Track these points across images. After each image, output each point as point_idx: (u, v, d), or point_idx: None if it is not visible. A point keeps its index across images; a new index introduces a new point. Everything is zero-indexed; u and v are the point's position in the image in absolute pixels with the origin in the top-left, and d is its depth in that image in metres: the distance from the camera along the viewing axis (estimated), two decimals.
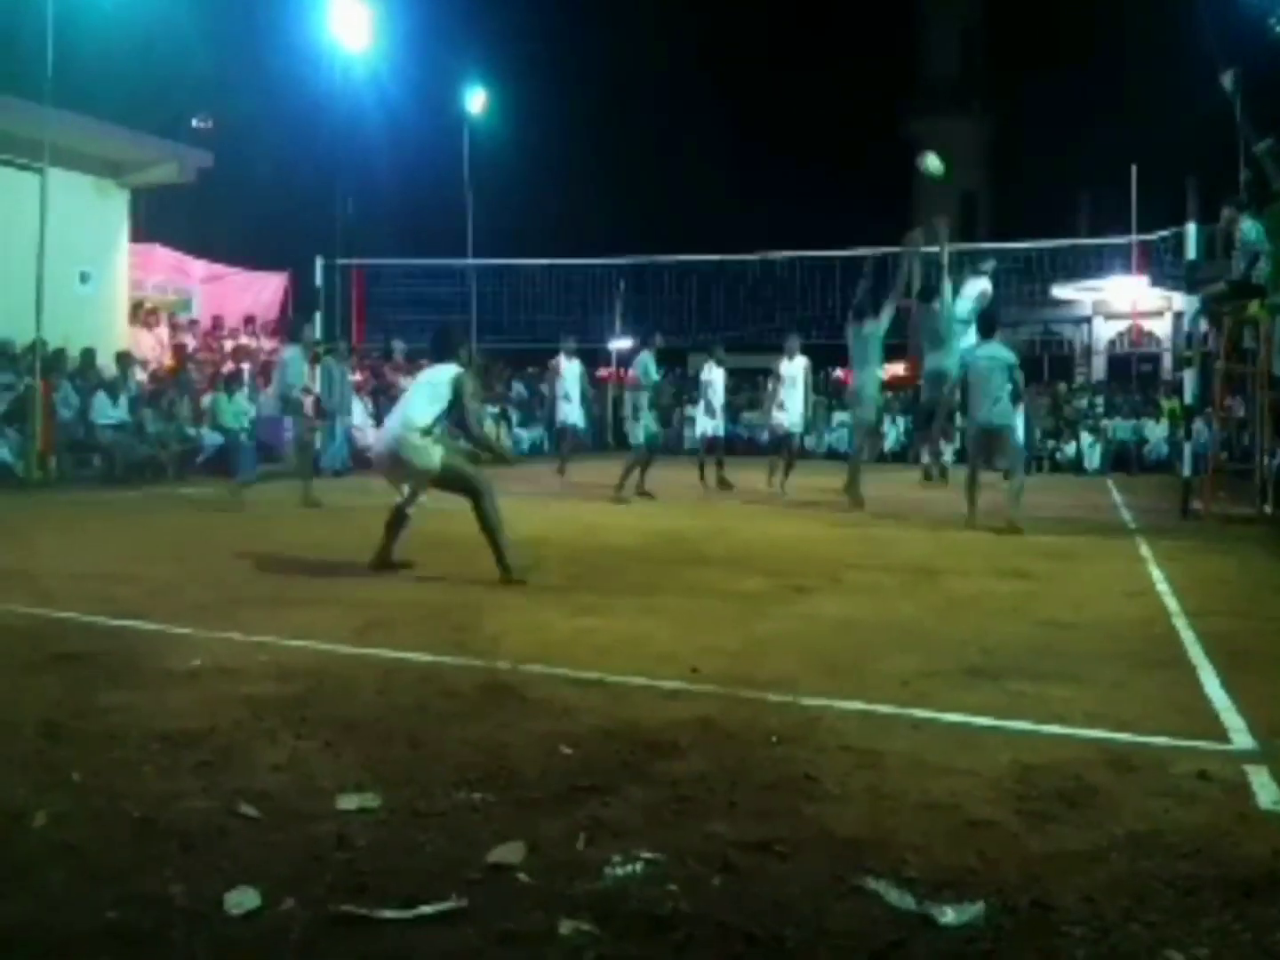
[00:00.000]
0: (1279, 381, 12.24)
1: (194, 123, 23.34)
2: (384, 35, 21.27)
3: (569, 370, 15.29)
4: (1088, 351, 27.81)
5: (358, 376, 17.36)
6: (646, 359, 12.47)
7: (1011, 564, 7.34)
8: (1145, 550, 8.19)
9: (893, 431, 21.77)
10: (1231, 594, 6.46)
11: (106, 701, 3.68)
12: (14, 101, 12.85)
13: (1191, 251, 11.46)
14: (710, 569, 7.05)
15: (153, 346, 16.89)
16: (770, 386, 14.03)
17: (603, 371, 26.12)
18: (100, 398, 13.54)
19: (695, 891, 2.36)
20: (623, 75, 34.32)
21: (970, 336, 11.07)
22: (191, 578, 6.25)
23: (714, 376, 14.79)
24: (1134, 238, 18.55)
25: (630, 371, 12.87)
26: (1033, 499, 9.92)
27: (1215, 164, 16.28)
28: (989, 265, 12.71)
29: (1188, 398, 11.44)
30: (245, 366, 16.92)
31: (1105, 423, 20.78)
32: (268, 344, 19.08)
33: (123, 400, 13.87)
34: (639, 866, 2.48)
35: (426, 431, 6.25)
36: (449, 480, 6.34)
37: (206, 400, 15.33)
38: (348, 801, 2.80)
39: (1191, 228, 11.52)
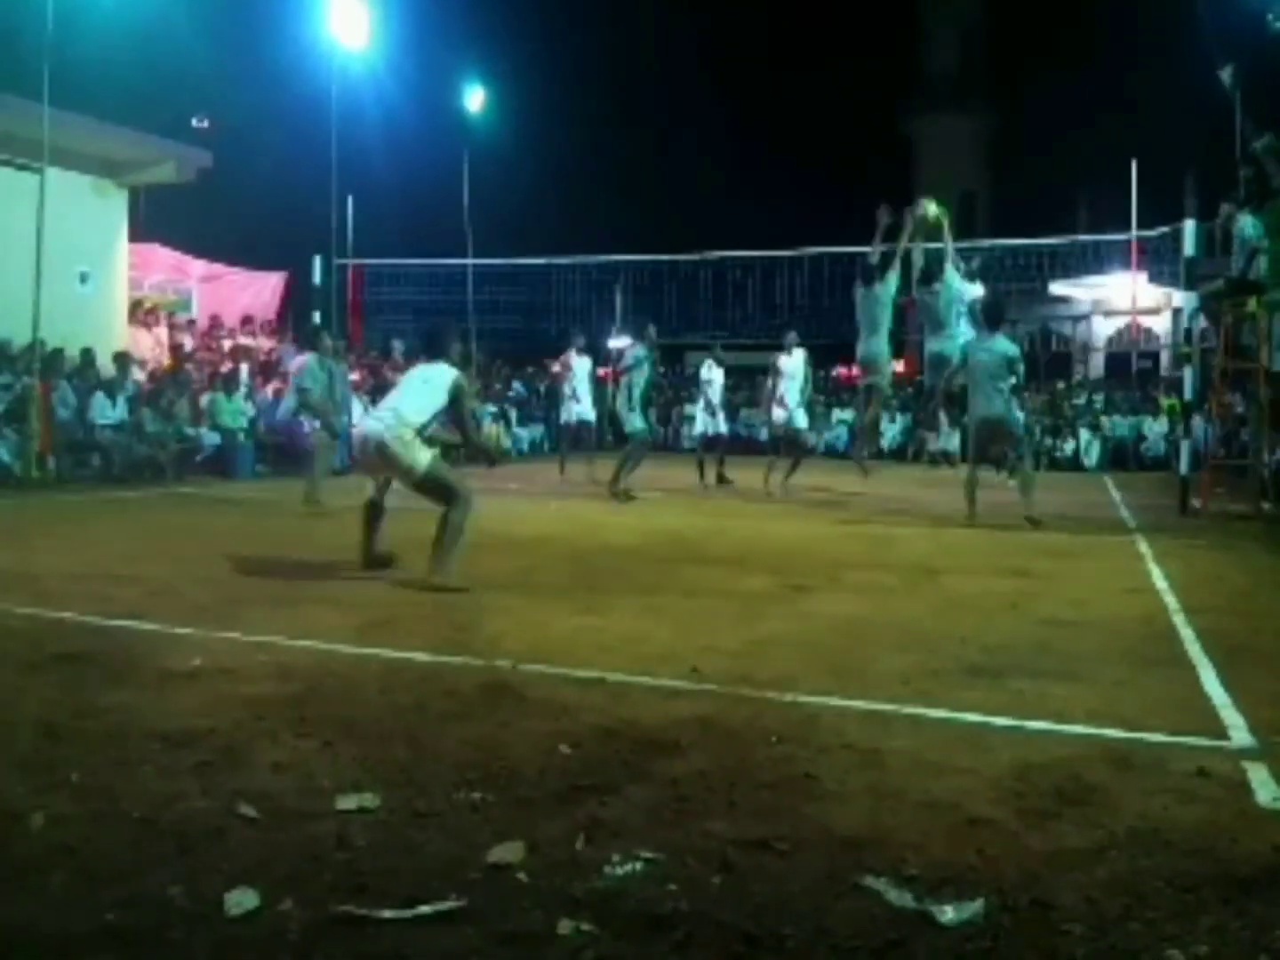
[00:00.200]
0: (1278, 378, 12.26)
1: (193, 122, 23.33)
2: (383, 34, 21.26)
3: (580, 367, 15.01)
4: (1086, 349, 27.81)
5: (356, 376, 17.33)
6: (639, 354, 12.24)
7: (1011, 562, 7.34)
8: (1144, 548, 8.19)
9: (890, 430, 21.74)
10: (1230, 591, 6.46)
11: (106, 701, 3.68)
12: (13, 101, 12.82)
13: (1190, 248, 11.46)
14: (710, 568, 7.05)
15: (151, 346, 16.87)
16: (769, 383, 13.99)
17: (601, 371, 26.08)
18: (99, 397, 13.53)
19: (695, 891, 2.36)
20: (622, 74, 34.34)
21: (964, 326, 11.12)
22: (191, 577, 6.25)
23: (714, 375, 14.79)
24: (1133, 234, 18.54)
25: (621, 364, 12.61)
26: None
27: (1214, 161, 16.28)
28: (976, 264, 12.63)
29: (1186, 394, 11.44)
30: (244, 366, 16.91)
31: (1104, 420, 20.78)
32: (266, 343, 19.07)
33: (121, 400, 13.85)
34: (638, 866, 2.48)
35: (419, 430, 6.17)
36: (430, 486, 6.19)
37: (205, 400, 15.32)
38: (347, 801, 2.80)
39: (1190, 224, 11.51)
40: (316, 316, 15.06)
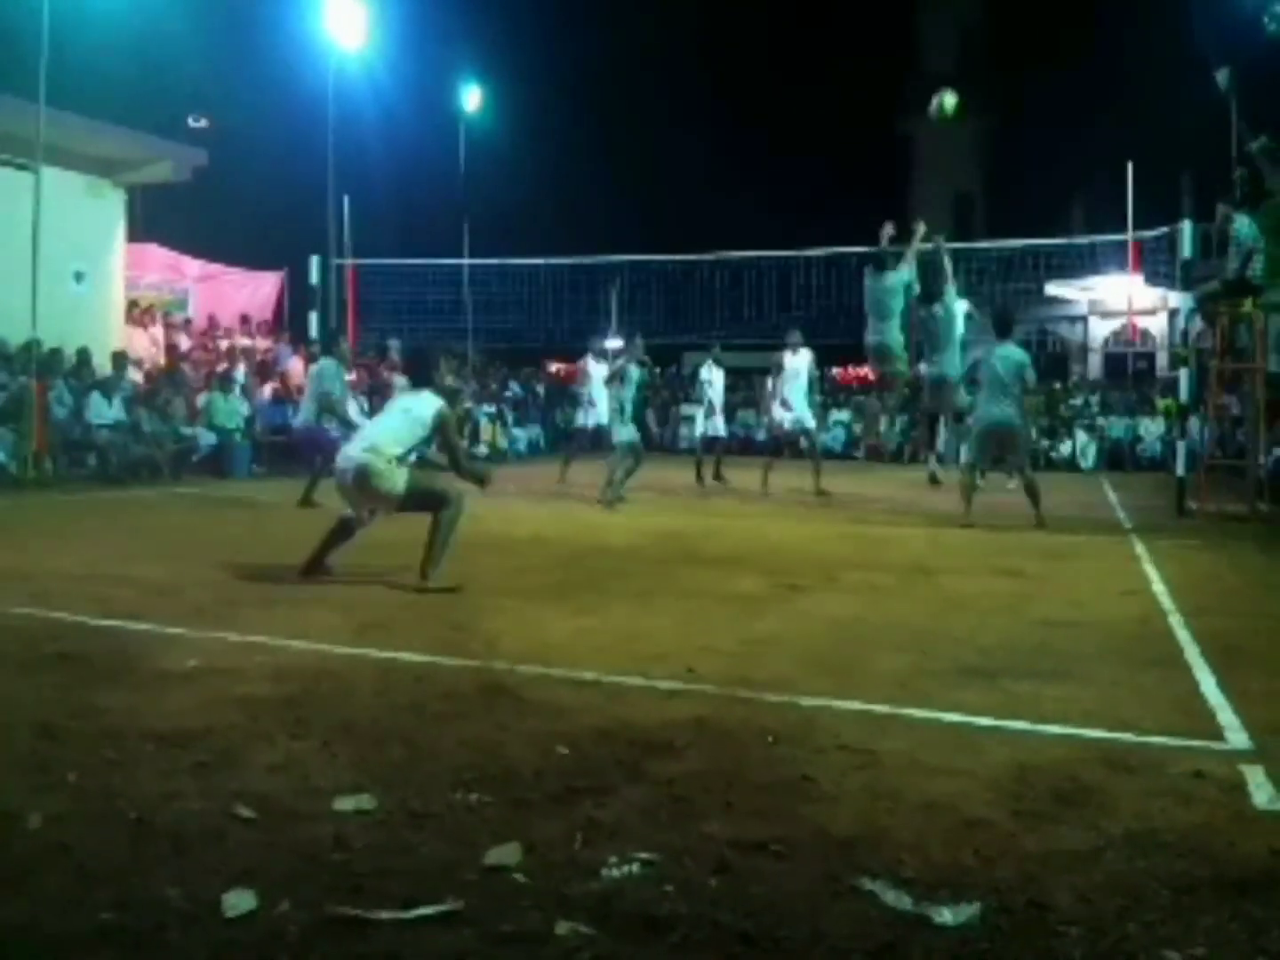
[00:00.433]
0: (1274, 379, 12.27)
1: (189, 121, 23.30)
2: (379, 33, 21.26)
3: (596, 372, 14.70)
4: (1083, 350, 27.83)
5: (353, 376, 17.32)
6: (627, 368, 12.05)
7: (1007, 563, 7.35)
8: (1140, 549, 8.19)
9: (890, 431, 21.72)
10: (1226, 592, 6.47)
11: (102, 702, 3.68)
12: (9, 100, 12.79)
13: (1186, 249, 11.48)
14: (707, 569, 7.05)
15: (148, 346, 16.85)
16: (770, 383, 13.93)
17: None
18: (95, 397, 13.51)
19: (692, 892, 2.36)
20: (620, 73, 34.32)
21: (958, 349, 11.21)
22: (188, 578, 6.24)
23: (714, 376, 14.77)
24: (1129, 236, 18.54)
25: (611, 376, 12.43)
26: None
27: (1211, 162, 16.30)
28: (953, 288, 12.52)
29: (1182, 396, 11.45)
30: (240, 366, 16.89)
31: (1100, 421, 20.80)
32: (263, 343, 19.05)
33: (117, 400, 13.84)
34: (635, 867, 2.48)
35: (394, 460, 6.06)
36: (417, 500, 6.11)
37: (202, 399, 15.31)
38: (344, 803, 2.80)
39: (1186, 225, 11.53)
40: (313, 317, 15.02)
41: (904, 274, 11.39)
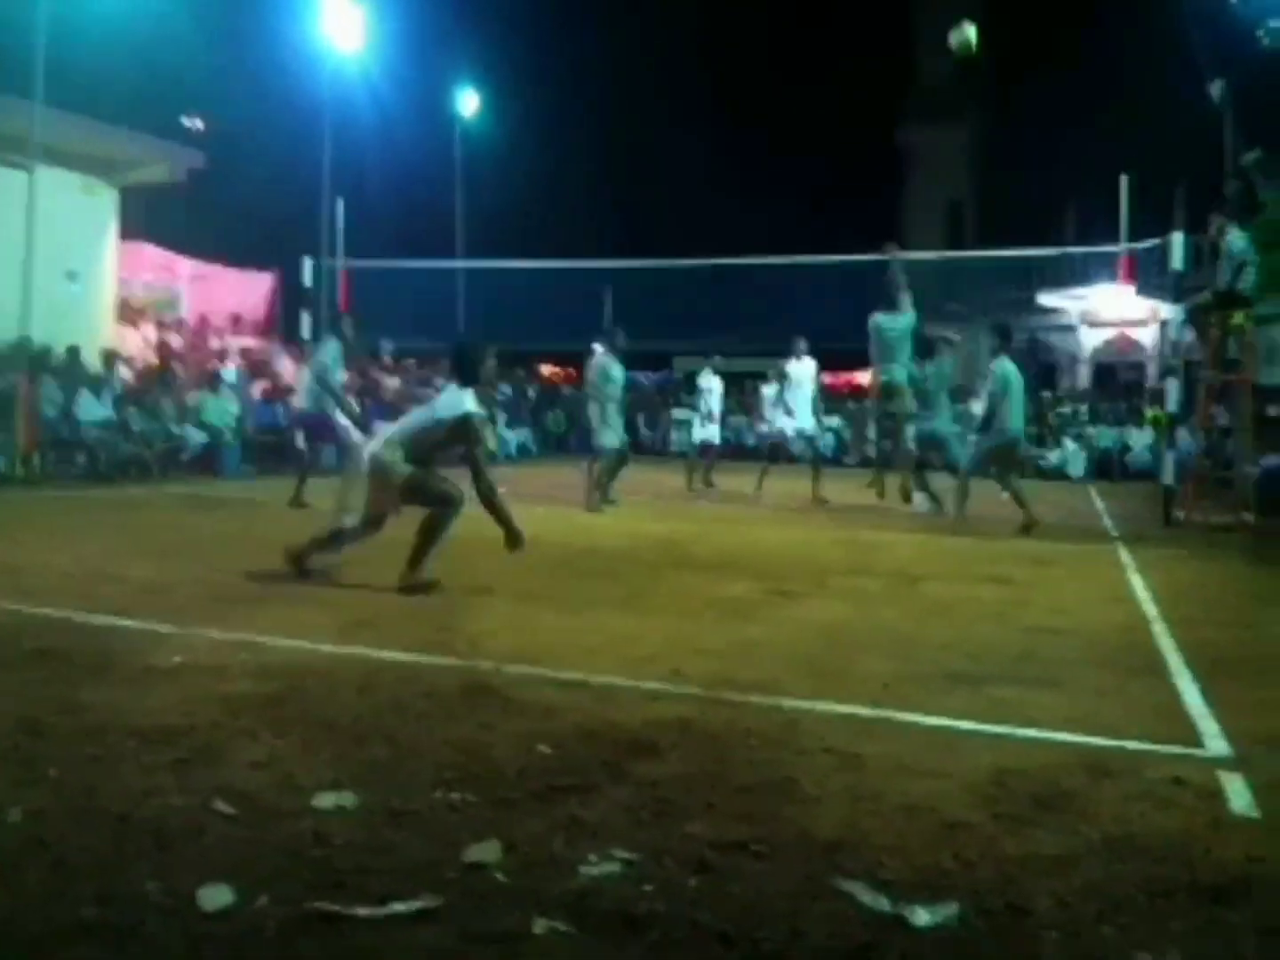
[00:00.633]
0: (1263, 391, 12.32)
1: (184, 122, 23.28)
2: (376, 36, 21.26)
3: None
4: (1073, 359, 27.93)
5: (345, 377, 17.30)
6: (605, 362, 11.69)
7: (994, 570, 7.37)
8: (1126, 557, 8.23)
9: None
10: (1211, 602, 6.50)
11: (86, 698, 3.67)
12: (4, 99, 12.79)
13: (1177, 261, 11.53)
14: (697, 573, 7.06)
15: (139, 345, 16.84)
16: (775, 388, 13.91)
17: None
18: (85, 396, 13.49)
19: (671, 892, 2.37)
20: (617, 79, 34.34)
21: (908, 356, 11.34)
22: (174, 576, 6.23)
23: (713, 384, 14.77)
24: (1121, 246, 18.62)
25: (589, 375, 12.02)
26: (1015, 506, 10.00)
27: (1205, 174, 16.37)
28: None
29: (1171, 406, 11.50)
30: (232, 366, 16.87)
31: (1089, 430, 20.87)
32: (254, 343, 19.03)
33: (108, 398, 13.82)
34: (615, 866, 2.48)
35: (396, 448, 6.03)
36: (418, 494, 6.07)
37: (192, 398, 15.29)
38: (325, 800, 2.80)
39: (1177, 237, 11.58)
40: (305, 318, 15.00)
41: (911, 316, 11.49)
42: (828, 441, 22.09)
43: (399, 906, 2.24)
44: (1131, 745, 3.53)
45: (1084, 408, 22.27)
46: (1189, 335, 12.65)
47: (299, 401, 11.29)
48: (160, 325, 17.92)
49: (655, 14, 35.17)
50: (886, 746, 3.41)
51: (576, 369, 20.08)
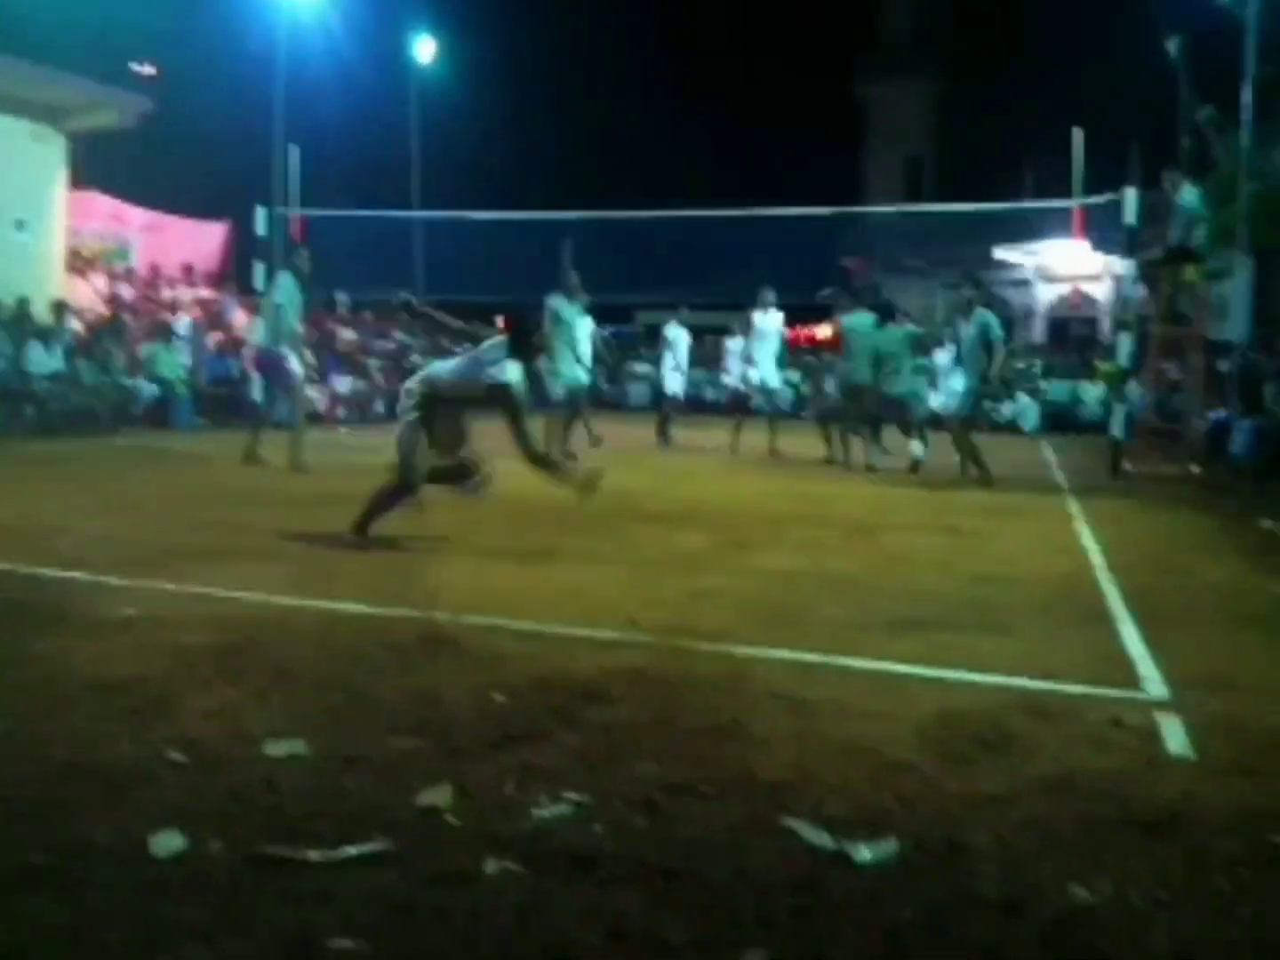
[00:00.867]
0: (1213, 345, 12.49)
1: (134, 68, 22.74)
2: None
3: (580, 328, 14.36)
4: (1028, 314, 28.12)
5: (300, 328, 17.10)
6: (554, 304, 11.39)
7: (946, 520, 7.47)
8: (1075, 509, 8.36)
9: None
10: (1155, 551, 6.63)
11: (37, 650, 3.65)
12: None
13: (1131, 216, 11.61)
14: (653, 525, 7.09)
15: (89, 295, 16.54)
16: (741, 342, 13.88)
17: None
18: (35, 347, 13.27)
19: (620, 832, 2.41)
20: (575, 28, 33.91)
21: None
22: (126, 529, 6.18)
23: (679, 336, 14.73)
24: (1074, 201, 18.71)
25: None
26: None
27: (1159, 130, 16.45)
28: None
29: (1122, 360, 11.63)
30: (185, 317, 16.62)
31: (1042, 384, 21.08)
32: (207, 294, 18.74)
33: (58, 350, 13.60)
34: (566, 808, 2.52)
35: (424, 386, 5.87)
36: (397, 443, 5.92)
37: (143, 350, 15.06)
38: (277, 748, 2.81)
39: (1130, 192, 11.65)
40: (259, 268, 14.78)
41: (911, 329, 11.57)
42: (786, 395, 22.20)
43: (351, 850, 2.26)
44: (1073, 689, 3.61)
45: (1038, 362, 22.48)
46: (1141, 290, 12.77)
47: (254, 339, 11.06)
48: (111, 275, 17.60)
49: None
50: (834, 691, 3.47)
51: None
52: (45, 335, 13.58)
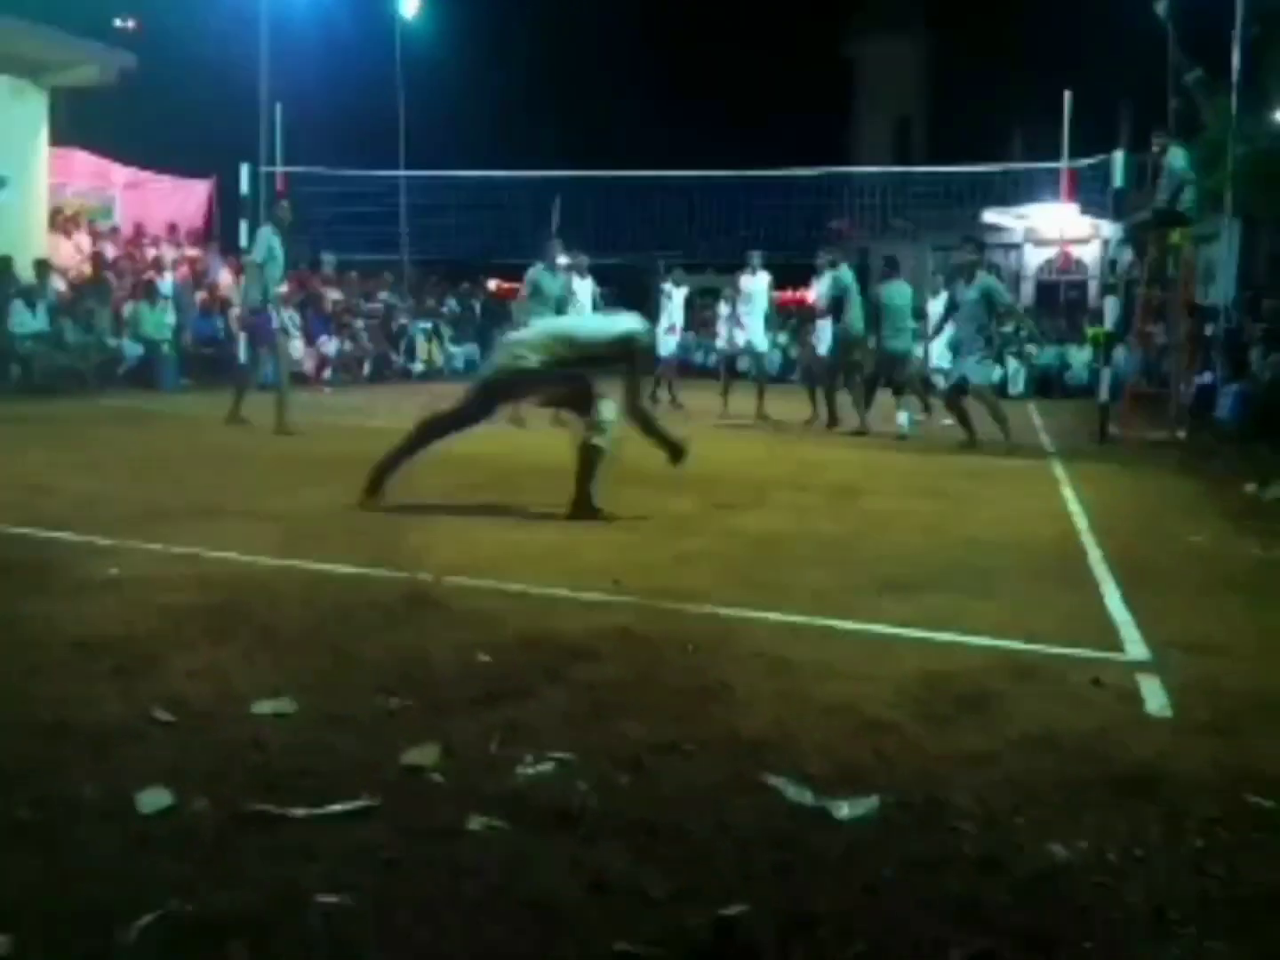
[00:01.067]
0: (1199, 309, 12.50)
1: (116, 23, 22.41)
2: None
3: (582, 289, 13.76)
4: (1018, 277, 28.05)
5: (284, 289, 16.99)
6: (535, 275, 11.26)
7: (933, 484, 7.51)
8: (1061, 472, 8.40)
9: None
10: (1140, 514, 6.67)
11: (22, 610, 3.65)
12: None
13: (1119, 179, 11.57)
14: (639, 488, 7.06)
15: (72, 254, 16.37)
16: (728, 304, 13.83)
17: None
18: (18, 306, 13.15)
19: (604, 789, 2.44)
20: None
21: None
22: (112, 490, 6.17)
23: (675, 294, 14.71)
24: (1063, 164, 18.64)
25: (520, 290, 11.60)
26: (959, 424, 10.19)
27: (1150, 92, 16.35)
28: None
29: (1109, 324, 11.63)
30: (168, 275, 16.48)
31: (1030, 348, 21.07)
32: (191, 252, 18.57)
33: (41, 309, 13.48)
34: (551, 766, 2.54)
35: (533, 349, 5.81)
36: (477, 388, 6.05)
37: (128, 310, 14.95)
38: (263, 707, 2.83)
39: (1119, 155, 11.61)
40: (243, 226, 14.64)
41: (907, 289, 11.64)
42: (774, 358, 22.17)
43: (336, 807, 2.28)
44: (1055, 650, 3.64)
45: (1028, 323, 22.43)
46: (1128, 253, 12.75)
47: (239, 299, 10.96)
48: (94, 234, 17.42)
49: None
50: (818, 652, 3.50)
51: None
52: (28, 295, 13.45)
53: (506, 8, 32.79)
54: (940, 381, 12.30)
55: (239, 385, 10.40)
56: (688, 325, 17.38)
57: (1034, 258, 27.95)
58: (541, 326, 6.08)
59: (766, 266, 13.47)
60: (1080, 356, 20.25)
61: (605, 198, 19.38)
